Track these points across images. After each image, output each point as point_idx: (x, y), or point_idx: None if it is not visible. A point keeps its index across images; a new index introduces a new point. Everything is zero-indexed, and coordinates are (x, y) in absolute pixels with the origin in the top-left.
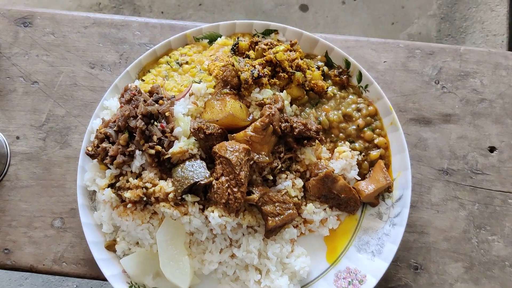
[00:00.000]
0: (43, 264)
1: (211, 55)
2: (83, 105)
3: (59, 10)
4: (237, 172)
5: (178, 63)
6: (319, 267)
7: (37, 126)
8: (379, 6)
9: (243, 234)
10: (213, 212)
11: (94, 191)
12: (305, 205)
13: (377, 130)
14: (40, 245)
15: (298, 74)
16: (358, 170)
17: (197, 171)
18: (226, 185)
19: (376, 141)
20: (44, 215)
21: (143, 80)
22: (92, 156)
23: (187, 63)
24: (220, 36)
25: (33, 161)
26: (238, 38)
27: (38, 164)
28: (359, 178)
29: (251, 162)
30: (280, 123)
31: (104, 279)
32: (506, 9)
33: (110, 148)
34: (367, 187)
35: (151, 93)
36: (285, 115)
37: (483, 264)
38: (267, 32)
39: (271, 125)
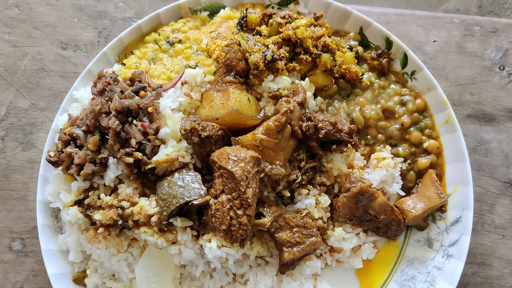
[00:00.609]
0: None
1: (211, 32)
2: (51, 96)
3: None
4: (243, 190)
5: (168, 42)
6: None
7: None
8: None
9: (250, 267)
10: (210, 241)
11: (59, 208)
12: (333, 229)
13: (427, 130)
14: None
15: (326, 56)
16: (402, 183)
17: (189, 186)
18: (228, 206)
19: (425, 145)
20: (1, 235)
21: (123, 64)
22: (55, 164)
23: (180, 41)
24: (224, 8)
25: None
26: (246, 10)
27: None
28: (404, 194)
29: (262, 175)
30: (300, 123)
31: None
32: None
33: (76, 154)
34: (415, 206)
35: (131, 80)
36: (307, 111)
37: None
38: (285, 3)
39: (288, 126)
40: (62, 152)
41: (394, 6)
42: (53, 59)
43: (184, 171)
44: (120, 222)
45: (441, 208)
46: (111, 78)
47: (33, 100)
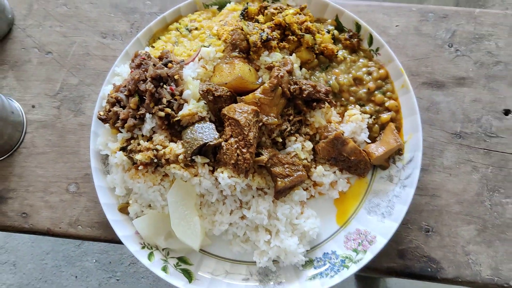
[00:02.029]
0: (59, 228)
1: (220, 21)
2: (95, 74)
3: None
4: (246, 133)
5: (187, 29)
6: (329, 229)
7: (51, 95)
8: None
9: (253, 196)
10: (222, 173)
11: (107, 155)
12: (315, 167)
13: (388, 93)
14: (56, 209)
15: (308, 36)
16: (368, 133)
17: (206, 132)
18: (235, 146)
19: (386, 104)
20: (59, 181)
21: (153, 47)
22: (104, 121)
23: (196, 29)
24: (230, 2)
25: (48, 129)
26: (247, 3)
27: (53, 132)
28: (370, 141)
29: (260, 124)
30: (289, 85)
31: (118, 241)
32: None
33: (121, 112)
34: (377, 149)
35: (160, 58)
36: (294, 77)
37: (496, 226)
38: None
39: (280, 87)
40: (110, 111)
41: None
42: (96, 46)
43: (202, 122)
44: (155, 160)
45: (399, 152)
46: (146, 55)
47: (81, 78)
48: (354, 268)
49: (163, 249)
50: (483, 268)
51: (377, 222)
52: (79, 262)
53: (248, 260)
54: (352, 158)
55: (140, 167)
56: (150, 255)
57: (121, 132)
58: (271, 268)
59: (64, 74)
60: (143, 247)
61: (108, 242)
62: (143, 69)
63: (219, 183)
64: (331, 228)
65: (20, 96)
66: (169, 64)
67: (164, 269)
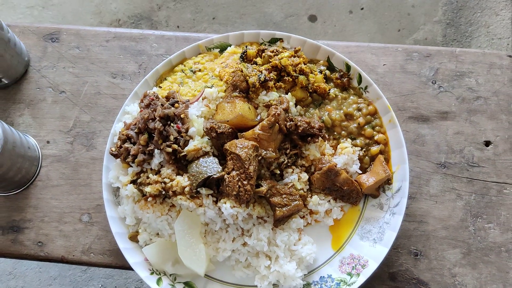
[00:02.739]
0: (73, 255)
1: (221, 63)
2: (106, 112)
3: (83, 26)
4: (247, 167)
5: (192, 70)
6: (325, 254)
7: (65, 131)
8: (385, 14)
9: (254, 224)
10: (225, 203)
11: (118, 188)
12: (311, 197)
13: (377, 127)
14: (70, 238)
15: (302, 77)
16: (359, 165)
17: (210, 166)
18: (237, 178)
19: (376, 138)
20: (73, 211)
21: (160, 87)
22: (116, 156)
23: (200, 70)
24: (230, 46)
25: (62, 163)
26: (246, 47)
27: (67, 165)
28: (361, 172)
29: (259, 158)
30: (285, 122)
31: (128, 268)
32: (511, 13)
33: (131, 148)
34: (368, 179)
35: (167, 98)
36: (290, 114)
37: (480, 250)
38: (273, 41)
39: (277, 124)
40: (121, 147)
41: (371, 39)
42: (106, 85)
43: (206, 157)
44: (163, 192)
45: (388, 181)
46: (154, 96)
47: (93, 115)
48: None
49: (170, 275)
50: None
51: (369, 247)
52: (85, 287)
53: (250, 284)
54: (345, 187)
55: (149, 199)
56: (158, 280)
57: (131, 166)
58: None
59: (77, 112)
60: (152, 273)
61: (119, 269)
62: (152, 109)
63: (222, 213)
64: (326, 253)
65: (35, 133)
66: (176, 104)
67: None
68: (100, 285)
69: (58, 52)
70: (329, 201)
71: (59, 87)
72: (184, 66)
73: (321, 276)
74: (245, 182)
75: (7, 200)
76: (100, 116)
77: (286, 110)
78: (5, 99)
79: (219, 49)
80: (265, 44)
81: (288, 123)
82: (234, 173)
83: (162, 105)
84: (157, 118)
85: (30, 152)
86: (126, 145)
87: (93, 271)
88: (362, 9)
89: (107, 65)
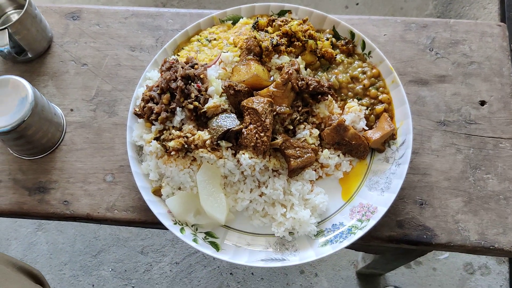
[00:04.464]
0: (98, 212)
1: (235, 32)
2: (126, 81)
3: (103, 6)
4: (263, 120)
5: (207, 39)
6: (336, 204)
7: (88, 100)
8: (379, 9)
9: (269, 177)
10: (244, 154)
11: (141, 147)
12: (321, 151)
13: (381, 88)
14: (95, 196)
15: (311, 41)
16: (366, 122)
17: (229, 121)
18: (254, 131)
19: (380, 98)
20: (97, 172)
21: (178, 55)
22: (139, 116)
23: (215, 39)
24: (242, 18)
25: (85, 128)
26: (257, 18)
27: (90, 131)
28: (367, 128)
29: (274, 113)
30: (297, 81)
31: (151, 224)
32: (497, 6)
33: (154, 107)
34: (374, 134)
35: (186, 62)
36: (301, 75)
37: (480, 198)
38: (282, 13)
39: (289, 82)
40: (144, 107)
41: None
42: (126, 57)
43: (225, 113)
44: (186, 146)
45: (393, 136)
46: (174, 59)
47: (114, 85)
48: (360, 233)
49: (192, 225)
50: (471, 234)
51: (377, 196)
52: (96, 271)
53: (267, 233)
54: (353, 142)
55: (172, 153)
56: (181, 230)
57: (154, 124)
58: (287, 238)
59: (98, 82)
60: (175, 223)
61: (142, 224)
62: (173, 71)
63: (241, 165)
64: (337, 204)
65: (59, 102)
66: (195, 66)
67: (195, 240)
68: (110, 269)
69: (79, 29)
70: (339, 155)
71: (81, 60)
72: (200, 36)
73: (333, 224)
74: (262, 134)
75: (33, 163)
76: (121, 85)
77: (298, 71)
78: (30, 72)
79: (231, 21)
80: (275, 15)
81: (300, 82)
82: (251, 126)
83: (182, 67)
84: (179, 78)
85: (56, 118)
86: (150, 104)
87: (103, 256)
88: (357, 4)
89: (126, 40)
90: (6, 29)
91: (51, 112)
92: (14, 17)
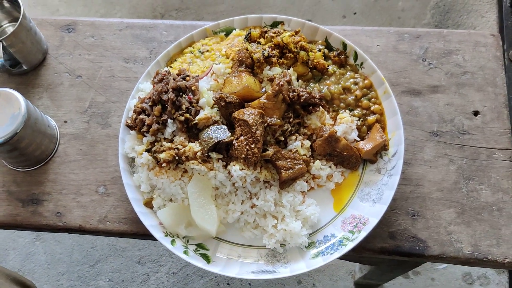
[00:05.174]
0: (90, 224)
1: (227, 44)
2: (120, 93)
3: (98, 18)
4: (254, 131)
5: (200, 51)
6: (327, 215)
7: (81, 112)
8: (376, 18)
9: (260, 188)
10: (234, 165)
11: (133, 159)
12: (313, 162)
13: (373, 99)
14: (87, 208)
15: (303, 53)
16: (357, 133)
17: (220, 132)
18: (245, 142)
19: (372, 108)
20: (89, 184)
21: (171, 67)
22: (131, 127)
23: (207, 51)
24: (235, 29)
25: (79, 140)
26: (250, 29)
27: (84, 142)
28: (359, 139)
29: (265, 125)
30: (288, 92)
31: (142, 235)
32: (496, 14)
33: (146, 119)
34: (366, 145)
35: (178, 75)
36: (292, 86)
37: (473, 209)
38: (275, 24)
39: (281, 94)
40: (136, 119)
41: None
42: (120, 69)
43: (216, 125)
44: (177, 158)
45: (385, 147)
46: (166, 72)
47: (107, 96)
48: (351, 245)
49: (183, 237)
50: (464, 245)
51: (369, 207)
52: (93, 281)
53: (258, 244)
54: (345, 153)
55: (164, 165)
56: (172, 242)
57: (146, 136)
58: (278, 250)
59: (92, 94)
60: (166, 235)
61: (134, 236)
62: (165, 83)
63: (232, 176)
64: (329, 215)
65: (53, 113)
66: (187, 78)
67: (185, 252)
68: (107, 279)
69: (74, 41)
70: (330, 166)
71: (76, 72)
72: (193, 48)
73: (324, 235)
74: (252, 146)
75: (27, 175)
76: (114, 97)
77: (289, 82)
78: (25, 84)
79: (224, 33)
80: (267, 27)
81: (291, 94)
82: (242, 137)
83: (174, 79)
84: (170, 90)
85: (50, 130)
86: (141, 116)
87: (101, 266)
88: (355, 13)
89: (120, 52)
90: (0, 42)
91: (44, 124)
92: (9, 30)
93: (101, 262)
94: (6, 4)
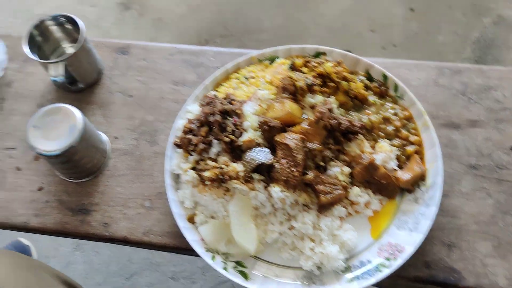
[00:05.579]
0: (135, 236)
1: (272, 71)
2: (168, 113)
3: (150, 42)
4: (295, 155)
5: (245, 77)
6: (364, 242)
7: (131, 129)
8: (417, 51)
9: (299, 211)
10: (275, 187)
11: (178, 175)
12: (351, 189)
13: (412, 130)
14: (133, 220)
15: (344, 83)
16: (396, 163)
17: (262, 155)
18: (286, 166)
19: (411, 139)
20: (136, 197)
21: (217, 91)
22: (178, 146)
23: (252, 77)
24: (279, 58)
25: (128, 156)
26: (293, 59)
27: (132, 158)
28: (397, 169)
29: (306, 149)
30: (329, 120)
31: (183, 249)
32: None
33: (193, 138)
34: (404, 175)
35: (225, 98)
36: (333, 114)
37: (510, 243)
38: (317, 55)
39: (322, 120)
40: (184, 138)
41: None
42: (169, 91)
43: (259, 147)
44: (220, 177)
45: (423, 178)
46: (214, 95)
47: (156, 116)
48: (387, 272)
49: (222, 254)
50: (499, 278)
51: (405, 235)
52: None
53: (295, 265)
54: (383, 181)
55: (208, 183)
56: (213, 257)
57: (192, 155)
58: (315, 272)
59: (142, 113)
60: (207, 251)
61: (175, 249)
62: (212, 105)
63: (272, 197)
64: (366, 241)
65: (105, 129)
66: (233, 102)
67: (225, 268)
68: None
69: (127, 63)
70: (369, 193)
71: (128, 92)
72: (239, 74)
73: (361, 261)
74: (293, 169)
75: (78, 186)
76: (163, 117)
77: (330, 110)
78: (80, 100)
79: (269, 61)
80: (310, 57)
81: (332, 121)
82: (283, 161)
83: (221, 102)
84: (217, 113)
85: (102, 145)
86: (188, 136)
87: (136, 279)
88: (394, 46)
89: (170, 75)
90: (63, 62)
91: (97, 139)
92: (69, 50)
93: (136, 275)
94: (68, 26)
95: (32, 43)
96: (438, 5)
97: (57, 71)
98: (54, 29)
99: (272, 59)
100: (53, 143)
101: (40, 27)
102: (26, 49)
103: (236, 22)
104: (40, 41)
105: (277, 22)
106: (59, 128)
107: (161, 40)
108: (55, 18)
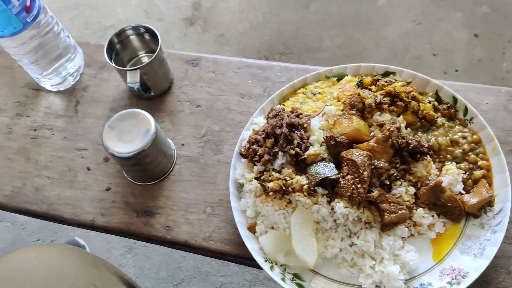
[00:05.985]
0: (195, 240)
1: (339, 88)
2: (233, 124)
3: (219, 56)
4: (361, 172)
5: (312, 93)
6: (426, 264)
7: (197, 137)
8: (480, 77)
9: (361, 228)
10: (339, 202)
11: (241, 185)
12: (416, 209)
13: (480, 154)
14: (194, 225)
15: (414, 103)
16: (463, 186)
17: (327, 169)
18: (351, 182)
19: (479, 163)
20: (198, 203)
21: (284, 105)
22: (244, 156)
23: (319, 93)
24: (347, 75)
25: (193, 163)
26: (362, 76)
27: (197, 165)
28: (464, 192)
29: (372, 167)
30: (397, 139)
31: (241, 258)
32: None
33: (258, 149)
34: (471, 199)
35: (292, 112)
36: (401, 134)
37: None
38: (386, 74)
39: (390, 139)
40: (249, 149)
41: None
42: (235, 103)
43: (324, 162)
44: (284, 188)
45: (490, 203)
46: (281, 109)
47: (222, 126)
48: None
49: (281, 265)
50: None
51: (469, 261)
52: None
53: (354, 283)
54: (449, 204)
55: (271, 193)
56: (271, 268)
57: (256, 165)
58: None
59: (208, 123)
60: (266, 260)
61: (234, 257)
62: (279, 118)
63: (334, 213)
64: (427, 263)
65: (173, 136)
66: (300, 115)
67: (283, 280)
68: None
69: (197, 74)
70: (433, 215)
71: (196, 102)
72: (305, 89)
73: (421, 283)
74: (358, 186)
75: (144, 189)
76: (228, 127)
77: (398, 129)
78: (151, 107)
79: (337, 78)
80: (379, 76)
81: (400, 140)
82: (349, 176)
83: (288, 115)
84: (284, 125)
85: (169, 151)
86: (254, 147)
87: (184, 286)
88: (456, 71)
89: (237, 87)
90: (138, 70)
91: (166, 145)
92: (145, 59)
93: (184, 283)
94: (147, 37)
95: (111, 51)
96: (504, 32)
97: (134, 78)
98: (133, 38)
99: (339, 76)
100: (126, 145)
101: (120, 35)
102: (105, 56)
103: (295, 41)
104: (119, 48)
105: (337, 42)
106: (133, 132)
107: (224, 54)
108: (135, 28)
